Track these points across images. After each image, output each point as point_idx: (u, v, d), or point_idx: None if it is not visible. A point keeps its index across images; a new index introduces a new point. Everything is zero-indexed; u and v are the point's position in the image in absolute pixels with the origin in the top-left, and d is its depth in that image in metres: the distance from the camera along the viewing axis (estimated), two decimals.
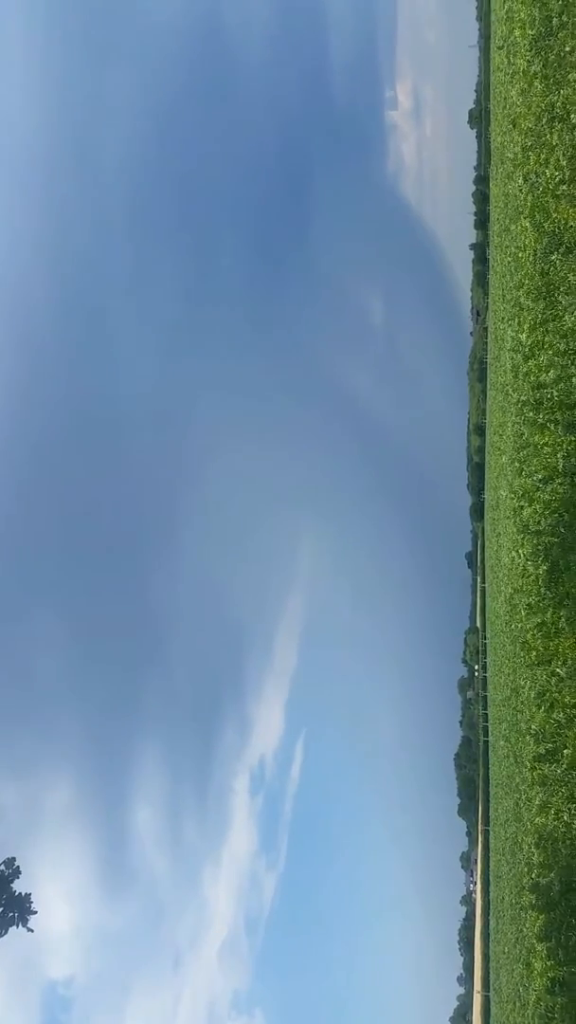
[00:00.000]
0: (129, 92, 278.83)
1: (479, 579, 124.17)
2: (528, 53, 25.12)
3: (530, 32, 24.93)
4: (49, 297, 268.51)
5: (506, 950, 36.80)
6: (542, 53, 23.69)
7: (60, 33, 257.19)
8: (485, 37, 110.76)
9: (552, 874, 20.77)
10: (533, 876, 22.42)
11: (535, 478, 22.94)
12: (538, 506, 22.74)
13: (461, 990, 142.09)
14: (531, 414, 23.17)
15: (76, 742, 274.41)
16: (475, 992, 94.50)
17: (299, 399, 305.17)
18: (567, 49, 21.81)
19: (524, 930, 26.54)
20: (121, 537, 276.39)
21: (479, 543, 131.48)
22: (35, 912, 16.25)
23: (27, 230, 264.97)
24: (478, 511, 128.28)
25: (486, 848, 71.03)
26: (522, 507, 25.01)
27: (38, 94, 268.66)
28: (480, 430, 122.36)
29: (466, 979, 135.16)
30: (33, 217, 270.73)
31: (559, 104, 21.90)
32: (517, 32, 28.63)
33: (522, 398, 24.95)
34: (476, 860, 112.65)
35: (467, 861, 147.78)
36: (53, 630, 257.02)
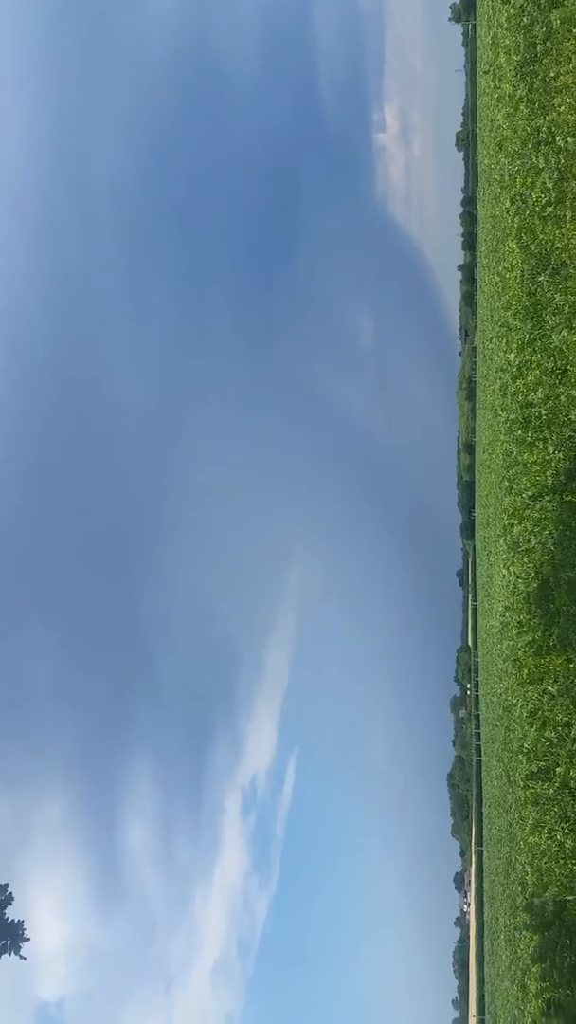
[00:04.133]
0: (120, 115, 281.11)
1: (470, 597, 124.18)
2: (513, 78, 25.53)
3: (515, 58, 25.35)
4: (40, 317, 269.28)
5: (500, 972, 36.49)
6: (527, 78, 24.07)
7: (52, 56, 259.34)
8: (471, 62, 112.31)
9: (546, 894, 20.65)
10: (527, 896, 22.28)
11: (525, 496, 23.05)
12: (528, 524, 22.84)
13: (456, 1014, 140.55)
14: (520, 432, 23.32)
15: (67, 759, 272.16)
16: (470, 1016, 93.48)
17: (290, 416, 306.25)
18: (551, 74, 22.16)
19: (518, 951, 26.34)
20: (112, 552, 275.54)
21: (469, 561, 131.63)
22: (27, 939, 16.03)
23: (19, 252, 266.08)
24: (468, 529, 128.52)
25: (480, 868, 70.60)
26: (512, 525, 25.11)
27: (29, 116, 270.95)
28: (470, 448, 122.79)
29: (461, 1003, 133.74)
30: (25, 238, 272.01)
31: (544, 128, 22.22)
32: (502, 57, 29.10)
33: (511, 417, 25.12)
34: (470, 880, 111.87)
35: (461, 882, 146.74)
36: (44, 646, 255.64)
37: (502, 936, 35.23)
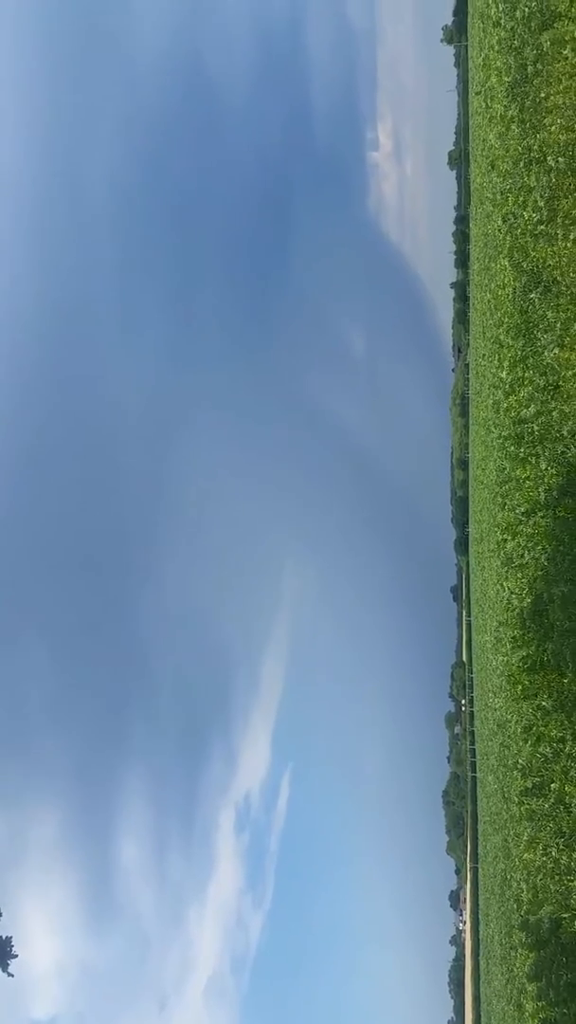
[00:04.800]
0: (114, 133, 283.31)
1: (464, 612, 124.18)
2: (505, 99, 25.84)
3: (506, 79, 25.67)
4: (33, 324, 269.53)
5: (497, 991, 36.24)
6: (518, 99, 24.37)
7: (47, 68, 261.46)
8: (463, 82, 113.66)
9: (542, 911, 20.56)
10: (522, 914, 22.19)
11: (518, 511, 23.14)
12: (521, 539, 22.91)
13: None
14: (512, 448, 23.44)
15: (61, 775, 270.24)
16: None
17: (285, 429, 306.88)
18: (542, 95, 22.45)
19: (514, 969, 26.18)
20: (105, 565, 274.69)
21: (463, 576, 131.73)
22: (15, 956, 15.90)
23: (12, 259, 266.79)
24: (463, 545, 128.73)
25: (475, 886, 70.17)
26: (506, 540, 25.18)
27: (25, 125, 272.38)
28: (463, 464, 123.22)
29: (457, 1022, 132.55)
30: (20, 247, 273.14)
31: (536, 147, 22.49)
32: (494, 78, 29.48)
33: (503, 433, 25.25)
34: (465, 898, 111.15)
35: (456, 900, 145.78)
36: (37, 661, 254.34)
37: (498, 954, 35.02)
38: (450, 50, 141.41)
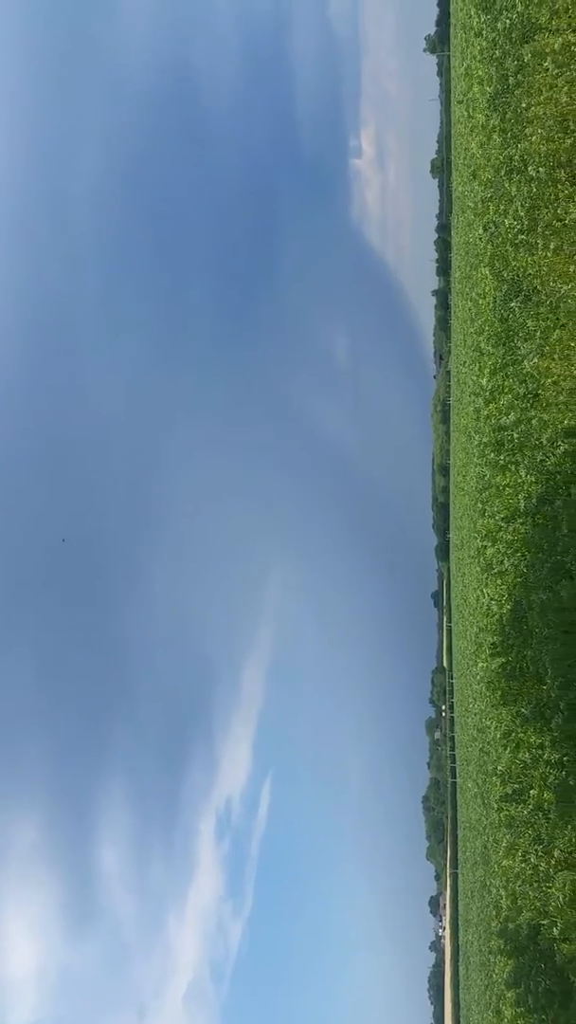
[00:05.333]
0: (98, 138, 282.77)
1: (445, 618, 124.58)
2: (486, 108, 26.04)
3: (488, 89, 25.87)
4: (16, 333, 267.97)
5: (476, 996, 36.28)
6: (500, 109, 24.56)
7: (32, 75, 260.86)
8: (446, 91, 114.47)
9: (520, 918, 20.58)
10: (501, 920, 22.21)
11: (498, 518, 23.25)
12: (501, 546, 23.01)
13: None
14: (492, 455, 23.56)
15: (40, 781, 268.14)
16: None
17: (267, 436, 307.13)
18: (523, 105, 22.63)
19: (493, 976, 26.22)
20: (86, 572, 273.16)
21: (444, 582, 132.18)
22: None
23: None
24: (444, 551, 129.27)
25: (455, 891, 70.28)
26: (486, 547, 25.30)
27: (8, 132, 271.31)
28: (444, 471, 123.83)
29: None
30: (1, 255, 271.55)
31: (517, 157, 22.65)
32: (476, 88, 29.70)
33: (484, 440, 25.39)
34: (445, 904, 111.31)
35: (436, 905, 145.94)
36: (16, 667, 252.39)
37: (477, 960, 35.07)
38: (433, 59, 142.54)
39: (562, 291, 19.53)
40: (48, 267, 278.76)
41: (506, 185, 23.34)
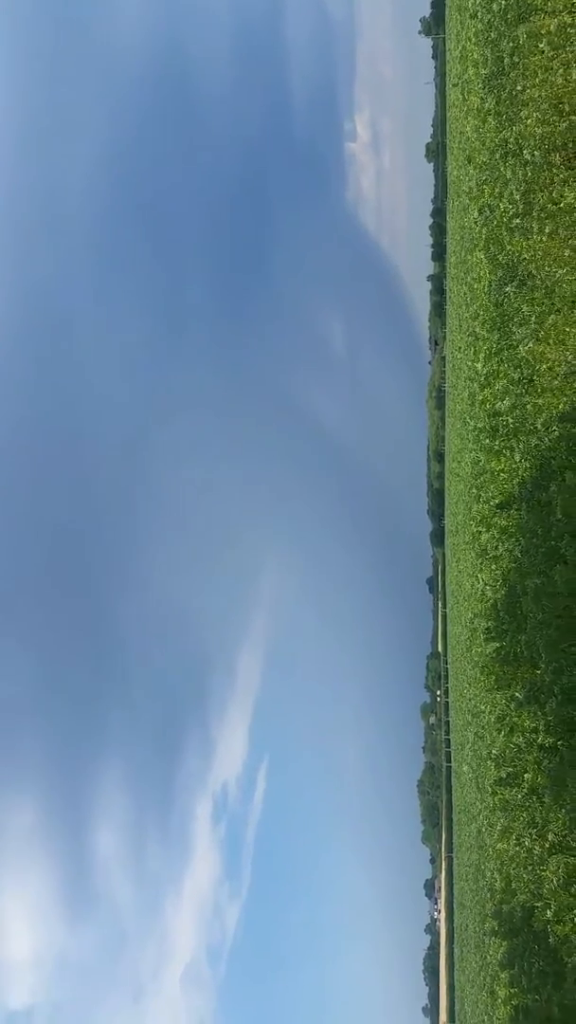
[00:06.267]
0: (91, 123, 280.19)
1: (440, 604, 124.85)
2: (481, 91, 25.85)
3: (483, 71, 25.67)
4: (9, 327, 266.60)
5: (470, 977, 36.59)
6: (495, 91, 24.38)
7: (23, 63, 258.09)
8: (441, 74, 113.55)
9: (514, 900, 20.74)
10: (495, 902, 22.39)
11: (492, 504, 23.25)
12: (496, 532, 23.03)
13: (427, 1021, 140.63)
14: (487, 441, 23.53)
15: (37, 766, 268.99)
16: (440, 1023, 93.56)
17: (262, 423, 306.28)
18: (519, 88, 22.46)
19: (488, 957, 26.45)
20: (83, 559, 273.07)
21: (439, 568, 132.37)
22: None
23: None
24: (438, 537, 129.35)
25: (450, 875, 70.82)
26: (480, 533, 25.31)
27: None
28: (440, 456, 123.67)
29: (431, 1010, 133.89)
30: None
31: (512, 140, 22.50)
32: (471, 71, 29.46)
33: (479, 425, 25.35)
34: (440, 887, 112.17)
35: (431, 888, 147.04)
36: (13, 653, 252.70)
37: (471, 942, 35.36)
38: (428, 42, 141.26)
39: (557, 275, 19.44)
40: (40, 254, 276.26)
41: (501, 168, 23.20)
